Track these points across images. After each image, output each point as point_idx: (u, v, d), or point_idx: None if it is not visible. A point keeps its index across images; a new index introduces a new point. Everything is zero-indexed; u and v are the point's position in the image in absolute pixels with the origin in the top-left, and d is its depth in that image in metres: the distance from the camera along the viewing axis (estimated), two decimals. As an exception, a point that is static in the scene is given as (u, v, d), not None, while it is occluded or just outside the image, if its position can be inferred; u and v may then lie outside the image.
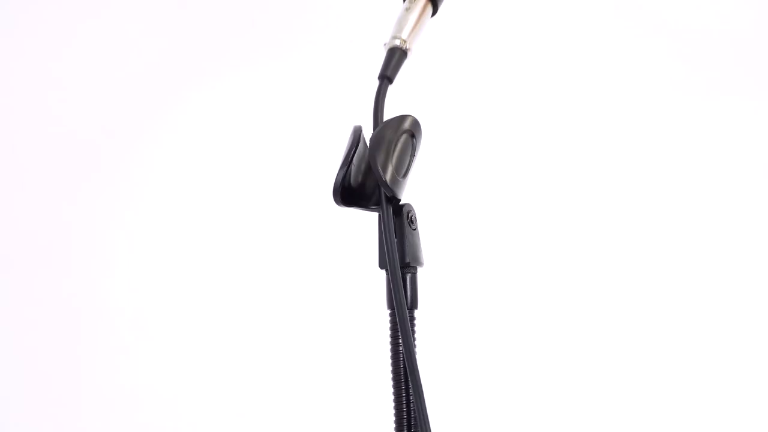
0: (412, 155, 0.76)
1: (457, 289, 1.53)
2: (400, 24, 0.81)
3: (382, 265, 0.76)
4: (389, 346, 0.76)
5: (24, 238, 1.57)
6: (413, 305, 0.76)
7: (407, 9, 0.81)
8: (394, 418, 0.76)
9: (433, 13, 0.84)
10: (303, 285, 1.55)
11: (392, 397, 0.76)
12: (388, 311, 0.76)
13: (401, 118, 0.76)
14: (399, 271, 0.73)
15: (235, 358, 1.55)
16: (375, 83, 0.78)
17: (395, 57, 0.79)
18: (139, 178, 1.59)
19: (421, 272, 0.77)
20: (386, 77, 0.78)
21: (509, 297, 1.55)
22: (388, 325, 0.76)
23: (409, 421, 0.75)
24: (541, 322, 1.55)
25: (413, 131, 0.76)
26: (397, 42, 0.80)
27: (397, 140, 0.74)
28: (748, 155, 1.57)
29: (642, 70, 1.58)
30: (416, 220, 0.77)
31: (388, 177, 0.73)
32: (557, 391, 1.53)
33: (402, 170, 0.74)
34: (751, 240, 1.55)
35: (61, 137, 1.58)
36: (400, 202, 0.75)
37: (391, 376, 0.76)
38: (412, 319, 0.76)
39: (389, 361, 0.76)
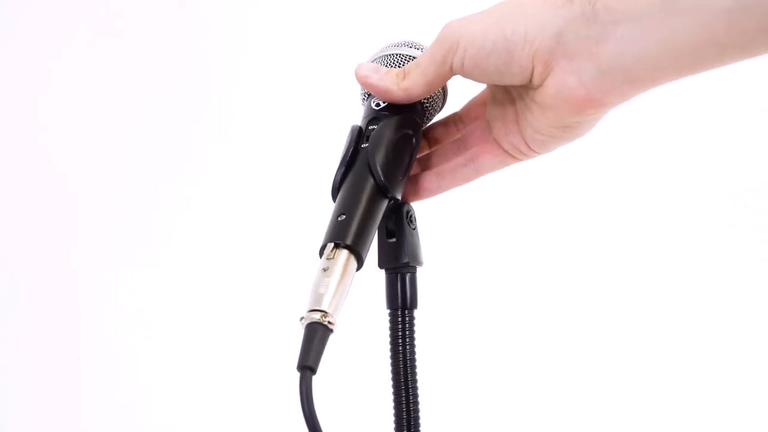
0: (412, 155, 0.76)
1: (457, 289, 1.54)
2: (318, 292, 0.65)
3: (381, 265, 0.76)
4: (389, 346, 0.76)
5: (23, 238, 1.57)
6: (413, 305, 0.76)
7: (325, 270, 0.66)
8: (393, 418, 0.76)
9: (358, 267, 0.68)
10: (302, 285, 1.55)
11: (392, 397, 0.76)
12: (388, 311, 0.76)
13: (401, 118, 0.75)
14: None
15: (234, 358, 1.55)
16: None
17: (316, 338, 0.64)
18: (139, 177, 1.59)
19: (420, 272, 0.77)
20: (307, 368, 0.64)
21: (509, 297, 1.55)
22: (388, 325, 0.76)
23: (408, 422, 0.75)
24: (542, 322, 1.55)
25: (413, 131, 0.76)
26: (317, 317, 0.64)
27: (397, 140, 0.74)
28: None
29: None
30: (416, 220, 0.77)
31: (386, 177, 0.72)
32: (557, 391, 1.53)
33: (401, 170, 0.74)
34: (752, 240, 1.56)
35: (61, 137, 1.58)
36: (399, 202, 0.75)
37: (390, 376, 0.76)
38: (412, 318, 0.76)
39: (389, 361, 0.76)
